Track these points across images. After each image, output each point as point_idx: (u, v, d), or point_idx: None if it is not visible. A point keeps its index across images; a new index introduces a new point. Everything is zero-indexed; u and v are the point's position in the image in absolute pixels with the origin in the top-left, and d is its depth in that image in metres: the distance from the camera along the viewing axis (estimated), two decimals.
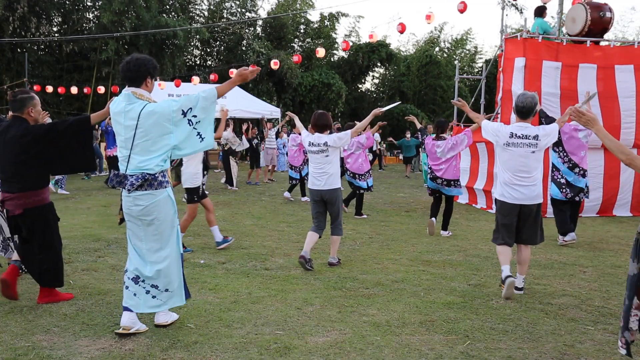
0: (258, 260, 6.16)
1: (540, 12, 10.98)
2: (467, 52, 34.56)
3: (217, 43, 29.87)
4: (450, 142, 7.59)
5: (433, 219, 7.78)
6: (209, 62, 30.23)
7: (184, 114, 3.57)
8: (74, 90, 20.90)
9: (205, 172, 6.71)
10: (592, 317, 4.34)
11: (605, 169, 10.12)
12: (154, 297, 3.79)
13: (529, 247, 5.01)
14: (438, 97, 31.42)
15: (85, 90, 21.87)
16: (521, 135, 4.78)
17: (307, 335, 3.81)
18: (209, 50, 30.27)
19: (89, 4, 26.13)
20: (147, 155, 3.58)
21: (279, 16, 27.67)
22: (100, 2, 24.78)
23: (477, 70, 33.43)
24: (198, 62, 30.37)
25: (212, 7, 29.52)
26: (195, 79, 20.40)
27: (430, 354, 3.55)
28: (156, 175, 3.62)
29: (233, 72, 19.53)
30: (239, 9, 29.74)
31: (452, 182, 7.69)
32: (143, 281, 3.76)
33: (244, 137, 14.42)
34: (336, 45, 30.05)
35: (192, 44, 29.19)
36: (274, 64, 18.80)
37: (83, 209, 9.80)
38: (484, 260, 6.33)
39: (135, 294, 3.76)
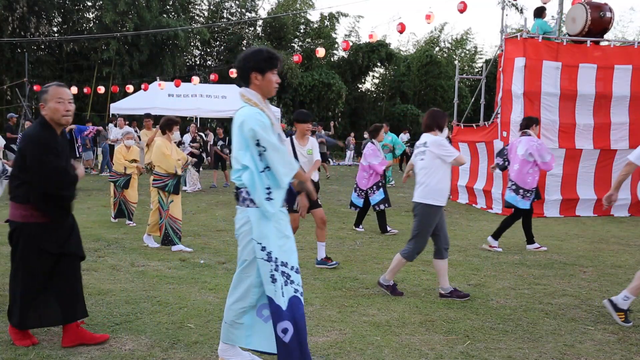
0: None
1: (539, 12, 10.98)
2: (467, 52, 34.60)
3: (217, 43, 29.90)
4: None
5: None
6: (209, 62, 30.26)
7: (258, 144, 2.96)
8: (74, 90, 20.85)
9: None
10: (592, 317, 4.34)
11: (596, 169, 10.17)
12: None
13: None
14: (438, 97, 31.43)
15: (85, 90, 21.89)
16: None
17: (307, 335, 3.80)
18: (209, 50, 30.30)
19: (89, 4, 26.15)
20: (235, 165, 3.12)
21: (279, 16, 27.68)
22: (100, 2, 24.79)
23: (477, 70, 33.44)
24: (198, 62, 30.39)
25: (212, 7, 29.54)
26: (195, 79, 20.39)
27: (430, 354, 3.55)
28: (241, 190, 3.08)
29: (233, 72, 19.54)
30: (239, 9, 29.77)
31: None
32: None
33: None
34: (336, 45, 30.06)
35: (193, 44, 29.21)
36: None
37: (83, 209, 9.80)
38: (484, 260, 6.33)
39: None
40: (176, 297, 4.64)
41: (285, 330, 2.99)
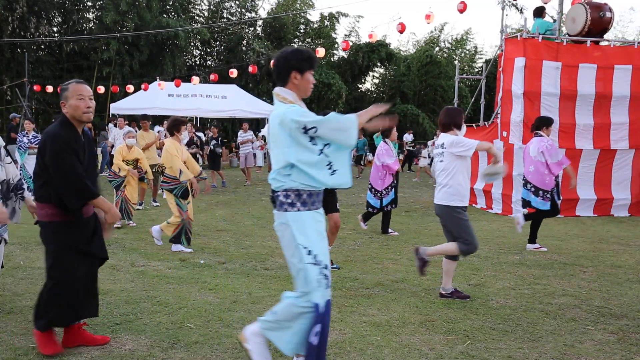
0: (258, 260, 6.15)
1: (539, 12, 10.99)
2: (467, 52, 34.57)
3: (217, 43, 29.89)
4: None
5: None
6: (209, 62, 30.27)
7: (305, 130, 2.86)
8: None
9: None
10: (592, 317, 4.34)
11: (596, 169, 10.18)
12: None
13: None
14: (438, 97, 31.40)
15: None
16: None
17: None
18: (209, 50, 30.30)
19: (89, 4, 26.16)
20: (274, 167, 3.05)
21: (279, 16, 27.69)
22: (100, 2, 24.79)
23: (477, 70, 33.43)
24: (198, 62, 30.40)
25: (212, 7, 29.55)
26: (195, 79, 20.41)
27: (430, 354, 3.55)
28: (278, 193, 3.03)
29: (233, 72, 19.54)
30: (239, 9, 29.77)
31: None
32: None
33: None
34: (336, 45, 30.06)
35: (193, 44, 29.23)
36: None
37: None
38: (484, 260, 6.33)
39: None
40: (176, 297, 4.64)
41: (317, 333, 2.95)
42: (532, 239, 7.00)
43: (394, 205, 8.00)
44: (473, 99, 13.57)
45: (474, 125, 12.09)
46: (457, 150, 4.60)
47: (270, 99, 27.66)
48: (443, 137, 4.75)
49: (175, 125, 6.63)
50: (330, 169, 2.92)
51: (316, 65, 3.11)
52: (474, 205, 11.36)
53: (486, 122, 11.43)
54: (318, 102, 27.47)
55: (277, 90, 3.06)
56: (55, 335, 3.49)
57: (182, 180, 6.43)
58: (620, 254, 6.77)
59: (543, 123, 6.97)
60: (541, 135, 6.88)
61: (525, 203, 7.01)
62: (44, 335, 3.44)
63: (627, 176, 10.30)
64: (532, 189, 6.87)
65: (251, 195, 12.44)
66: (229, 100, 20.99)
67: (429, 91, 31.64)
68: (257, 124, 26.02)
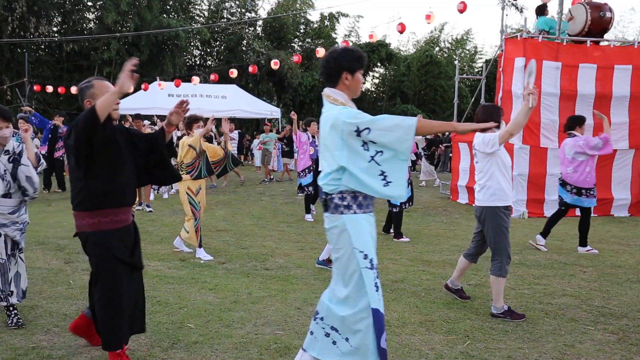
0: (258, 260, 6.15)
1: (541, 10, 10.99)
2: (467, 52, 34.61)
3: (217, 43, 29.92)
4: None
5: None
6: (209, 62, 30.30)
7: (358, 131, 2.78)
8: (74, 90, 20.87)
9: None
10: (592, 317, 4.34)
11: (596, 169, 10.16)
12: (334, 342, 3.00)
13: None
14: (438, 97, 31.44)
15: None
16: None
17: (307, 335, 3.80)
18: (209, 50, 30.33)
19: (89, 4, 26.18)
20: (325, 169, 2.97)
21: (279, 16, 27.71)
22: (101, 2, 24.82)
23: (477, 70, 33.45)
24: (198, 62, 30.42)
25: (212, 7, 29.58)
26: (195, 79, 20.42)
27: (430, 354, 3.55)
28: (332, 196, 2.92)
29: (233, 72, 19.56)
30: (239, 9, 29.80)
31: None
32: (322, 319, 3.05)
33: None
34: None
35: (193, 44, 29.25)
36: (274, 64, 18.80)
37: None
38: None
39: (312, 332, 3.12)
40: (176, 297, 4.64)
41: (384, 336, 2.87)
42: (545, 233, 7.02)
43: (410, 203, 7.95)
44: (473, 99, 13.57)
45: None
46: (487, 149, 4.36)
47: (270, 99, 27.70)
48: (475, 138, 4.54)
49: (189, 122, 6.63)
50: (384, 179, 2.81)
51: (366, 64, 3.04)
52: (474, 205, 11.35)
53: None
54: (318, 102, 27.50)
55: (328, 92, 3.00)
56: (125, 355, 3.26)
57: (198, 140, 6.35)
58: (620, 254, 6.77)
59: (576, 122, 6.85)
60: (575, 135, 6.79)
61: (563, 204, 6.97)
62: (112, 356, 3.21)
63: (627, 176, 10.30)
64: (574, 190, 6.77)
65: (251, 195, 12.44)
66: (229, 100, 21.01)
67: (429, 91, 31.68)
68: (257, 124, 26.04)
